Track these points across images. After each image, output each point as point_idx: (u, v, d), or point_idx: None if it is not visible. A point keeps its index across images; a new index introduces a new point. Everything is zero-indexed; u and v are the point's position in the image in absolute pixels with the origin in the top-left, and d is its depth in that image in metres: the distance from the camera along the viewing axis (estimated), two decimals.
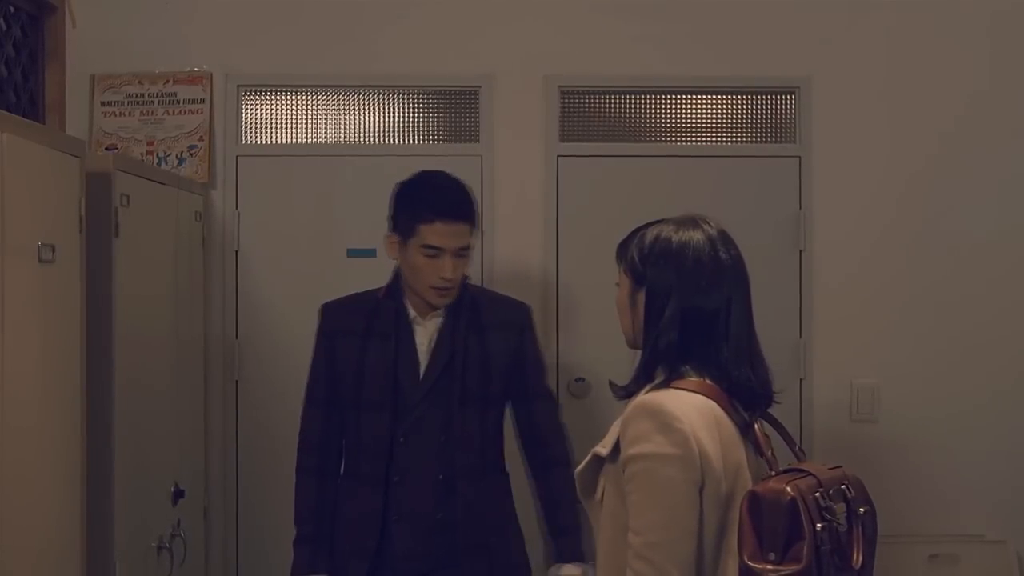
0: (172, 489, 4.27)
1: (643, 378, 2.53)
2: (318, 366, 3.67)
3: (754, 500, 2.30)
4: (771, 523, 2.27)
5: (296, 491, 3.70)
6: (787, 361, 4.94)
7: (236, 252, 4.97)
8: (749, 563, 2.27)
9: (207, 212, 4.89)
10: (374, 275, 4.87)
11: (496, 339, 3.60)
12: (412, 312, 3.56)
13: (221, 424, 4.95)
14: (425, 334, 3.57)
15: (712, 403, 2.43)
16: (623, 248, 2.63)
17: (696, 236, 2.52)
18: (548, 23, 5.02)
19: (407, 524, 3.53)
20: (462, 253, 3.48)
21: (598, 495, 2.53)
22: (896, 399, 5.03)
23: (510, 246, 4.94)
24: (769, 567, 2.25)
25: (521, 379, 3.67)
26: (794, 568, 2.25)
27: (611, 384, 2.62)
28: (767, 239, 4.95)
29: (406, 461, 3.53)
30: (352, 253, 4.93)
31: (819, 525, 2.28)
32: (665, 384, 2.47)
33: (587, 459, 2.56)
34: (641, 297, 2.54)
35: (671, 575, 2.30)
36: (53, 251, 3.14)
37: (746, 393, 2.50)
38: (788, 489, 2.28)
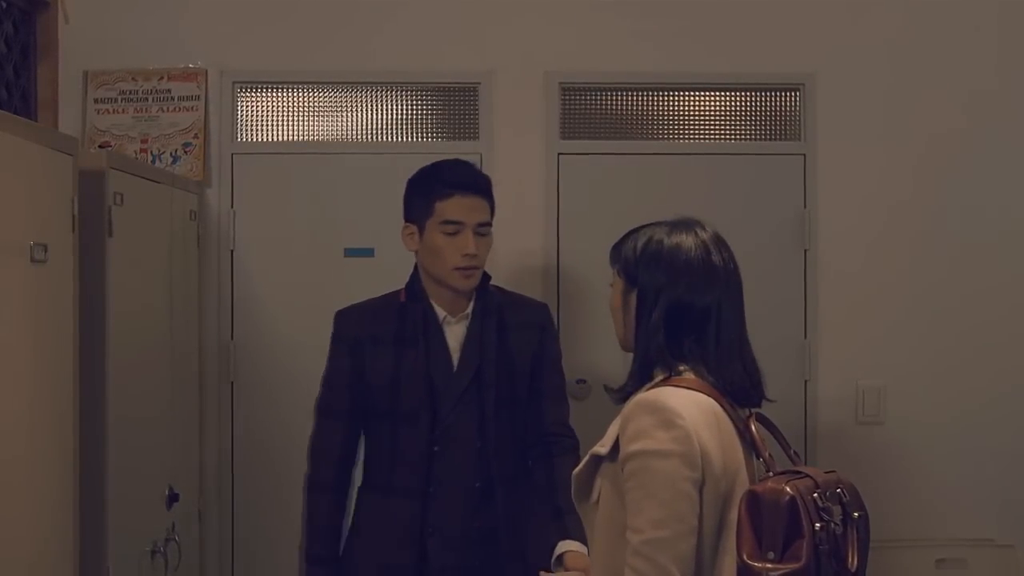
0: (166, 492, 4.23)
1: (638, 380, 2.54)
2: (338, 376, 3.55)
3: (753, 499, 2.32)
4: (770, 522, 2.29)
5: (309, 508, 3.53)
6: (791, 362, 4.92)
7: (232, 252, 4.93)
8: (748, 562, 2.28)
9: (202, 211, 4.85)
10: (372, 275, 4.85)
11: (521, 339, 3.54)
12: (441, 313, 3.47)
13: (216, 427, 4.90)
14: (455, 337, 3.48)
15: (712, 401, 2.45)
16: (617, 250, 2.65)
17: (689, 239, 2.56)
18: (548, 18, 4.98)
19: (443, 537, 3.41)
20: (482, 230, 3.42)
21: (594, 496, 2.53)
22: (902, 400, 4.99)
23: (510, 245, 4.88)
24: (769, 566, 2.27)
25: (538, 379, 3.58)
26: (794, 567, 2.26)
27: (607, 388, 2.63)
28: (771, 238, 4.93)
29: (442, 470, 3.42)
30: (350, 253, 4.90)
31: (817, 525, 2.30)
32: (665, 382, 2.48)
33: (585, 460, 2.56)
34: (633, 299, 2.57)
35: (671, 573, 2.30)
36: (45, 251, 3.10)
37: (740, 392, 2.52)
38: (787, 488, 2.31)
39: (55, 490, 3.24)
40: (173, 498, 4.25)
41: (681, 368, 2.49)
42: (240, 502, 4.92)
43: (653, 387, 2.48)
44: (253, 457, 4.92)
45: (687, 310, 2.51)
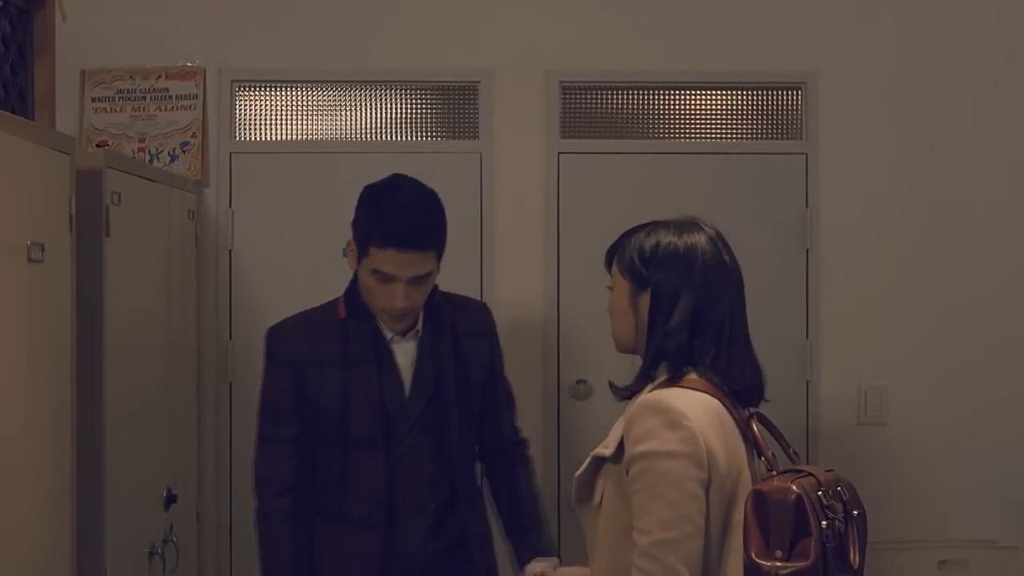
0: (164, 494, 4.22)
1: (645, 378, 2.55)
2: (280, 399, 3.26)
3: (759, 498, 2.33)
4: (777, 521, 2.30)
5: (265, 541, 3.27)
6: (793, 362, 4.90)
7: (230, 251, 4.91)
8: (757, 560, 2.29)
9: (200, 210, 4.83)
10: None
11: (475, 350, 3.37)
12: (389, 332, 3.24)
13: (214, 428, 4.88)
14: (406, 355, 3.25)
15: (716, 402, 2.46)
16: (617, 252, 2.65)
17: (701, 239, 2.58)
18: (549, 17, 4.96)
19: (406, 563, 3.23)
20: (419, 280, 3.13)
21: (596, 499, 2.52)
22: (905, 401, 4.97)
23: (510, 245, 4.89)
24: (778, 564, 2.28)
25: (492, 388, 3.43)
26: (803, 564, 2.28)
27: (611, 385, 2.64)
28: (773, 237, 4.91)
29: (399, 495, 3.22)
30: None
31: (823, 523, 2.32)
32: (668, 383, 2.48)
33: (587, 462, 2.56)
34: (644, 300, 2.56)
35: (680, 574, 2.31)
36: (42, 250, 3.09)
37: (745, 391, 2.54)
38: (793, 487, 2.32)
39: (52, 491, 3.22)
40: (171, 499, 4.24)
41: (685, 369, 2.49)
42: (238, 503, 4.89)
43: (656, 388, 2.48)
44: (251, 458, 4.86)
45: (709, 310, 2.51)
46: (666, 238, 2.57)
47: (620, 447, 2.45)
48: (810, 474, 2.41)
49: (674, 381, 2.48)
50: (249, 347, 4.87)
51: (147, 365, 4.10)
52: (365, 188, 3.28)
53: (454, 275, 4.82)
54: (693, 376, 2.48)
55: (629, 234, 2.64)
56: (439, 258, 3.19)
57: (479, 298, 4.84)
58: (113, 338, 3.63)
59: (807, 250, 4.95)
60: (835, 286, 4.95)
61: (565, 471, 4.84)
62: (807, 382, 4.95)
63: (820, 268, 4.95)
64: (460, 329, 3.34)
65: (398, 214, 3.11)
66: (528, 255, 4.91)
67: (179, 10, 4.91)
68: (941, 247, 4.98)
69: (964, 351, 4.98)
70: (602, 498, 2.51)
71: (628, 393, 2.56)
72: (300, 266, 4.89)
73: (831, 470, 2.49)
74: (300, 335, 3.30)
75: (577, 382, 4.89)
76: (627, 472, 2.40)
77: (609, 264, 2.66)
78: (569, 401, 4.89)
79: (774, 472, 2.42)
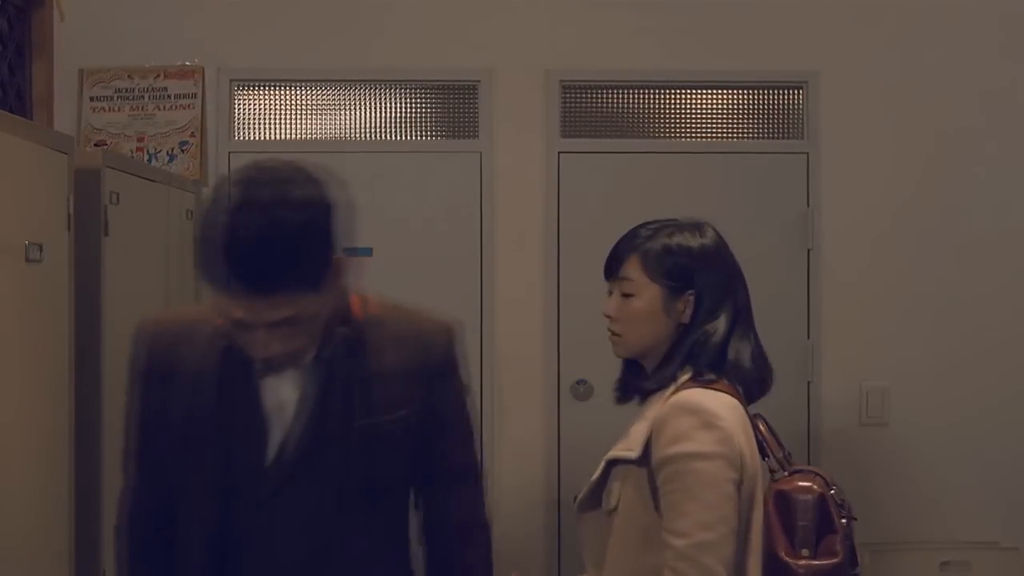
0: None
1: (667, 380, 2.50)
2: (144, 414, 2.47)
3: (782, 498, 2.35)
4: (802, 519, 2.33)
5: (118, 553, 2.48)
6: (795, 363, 4.88)
7: None
8: (786, 559, 2.31)
9: (199, 210, 4.78)
10: (370, 275, 4.81)
11: (400, 388, 2.32)
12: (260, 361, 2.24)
13: None
14: (285, 389, 2.26)
15: (738, 402, 2.45)
16: (638, 255, 2.56)
17: (718, 238, 2.58)
18: (549, 16, 4.94)
19: None
20: (290, 322, 2.13)
21: (612, 502, 2.47)
22: (906, 401, 4.95)
23: (510, 244, 4.86)
24: (814, 562, 2.31)
25: (434, 450, 2.40)
26: (832, 561, 2.31)
27: (626, 386, 2.60)
28: (774, 237, 4.88)
29: None
30: (347, 252, 4.82)
31: (843, 520, 2.37)
32: (693, 384, 2.45)
33: (601, 467, 2.51)
34: (681, 303, 2.52)
35: (719, 574, 2.29)
36: (41, 250, 3.08)
37: (755, 390, 2.54)
38: (815, 486, 2.36)
39: (50, 491, 3.21)
40: None
41: (703, 369, 2.48)
42: None
43: (680, 389, 2.45)
44: None
45: (745, 310, 2.54)
46: (695, 239, 2.55)
47: (646, 449, 2.42)
48: (818, 474, 2.43)
49: (698, 382, 2.45)
50: None
51: None
52: (210, 193, 2.25)
53: (454, 275, 4.85)
54: (712, 376, 2.46)
55: (644, 237, 2.58)
56: (329, 279, 2.21)
57: (478, 297, 4.83)
58: (111, 337, 3.62)
59: (808, 250, 4.93)
60: (836, 286, 4.93)
61: (565, 471, 4.83)
62: (808, 383, 4.93)
63: (821, 268, 4.93)
64: (388, 360, 2.33)
65: (234, 248, 2.06)
66: (528, 255, 4.89)
67: (178, 9, 4.89)
68: (942, 247, 4.96)
69: (966, 351, 4.96)
70: (618, 502, 2.46)
71: (649, 391, 2.52)
72: None
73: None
74: (174, 339, 2.40)
75: (577, 382, 4.87)
76: (655, 474, 2.37)
77: (614, 270, 2.60)
78: (569, 401, 4.86)
79: (785, 472, 2.44)
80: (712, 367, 2.47)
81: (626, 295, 2.57)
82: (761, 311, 2.66)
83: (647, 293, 2.54)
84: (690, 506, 2.30)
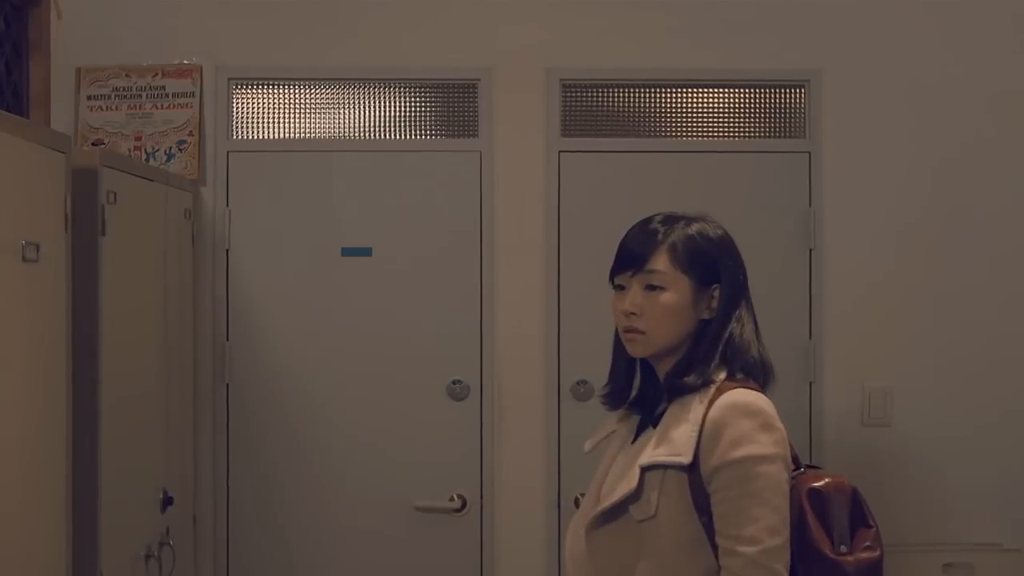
0: (160, 496, 4.20)
1: (707, 379, 2.46)
2: None
3: (817, 495, 2.35)
4: (838, 515, 2.34)
5: None
6: (796, 364, 4.85)
7: (227, 251, 4.86)
8: (832, 556, 2.31)
9: (197, 210, 4.79)
10: (369, 275, 4.82)
11: None
12: None
13: (211, 429, 4.84)
14: None
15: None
16: (666, 247, 2.52)
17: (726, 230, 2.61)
18: (549, 14, 4.91)
19: None
20: None
21: (651, 510, 2.40)
22: (909, 402, 4.92)
23: (510, 244, 4.85)
24: (861, 555, 2.32)
25: None
26: (874, 556, 2.33)
27: (673, 385, 2.51)
28: (776, 237, 4.87)
29: None
30: (347, 252, 4.85)
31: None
32: (735, 383, 2.44)
33: (635, 475, 2.43)
34: (707, 296, 2.51)
35: None
36: (37, 250, 3.06)
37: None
38: (846, 481, 2.38)
39: (47, 493, 3.20)
40: (167, 502, 4.22)
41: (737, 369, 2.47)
42: (235, 506, 4.86)
43: (721, 389, 2.42)
44: (248, 460, 4.85)
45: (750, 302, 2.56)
46: (713, 230, 2.55)
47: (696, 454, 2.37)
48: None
49: (735, 381, 2.44)
50: (246, 347, 4.86)
51: (143, 365, 4.08)
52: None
53: (453, 274, 4.82)
54: (741, 375, 2.45)
55: (664, 229, 2.55)
56: None
57: (478, 297, 4.83)
58: (109, 339, 3.61)
59: (810, 250, 4.90)
60: (839, 286, 4.90)
61: (565, 472, 4.81)
62: (810, 383, 4.90)
63: (823, 268, 4.90)
64: None
65: None
66: (528, 254, 4.87)
67: (176, 7, 4.87)
68: (946, 246, 4.93)
69: (969, 352, 4.93)
70: (656, 510, 2.40)
71: (692, 387, 2.46)
72: (298, 266, 4.86)
73: None
74: None
75: (577, 382, 4.84)
76: (708, 479, 2.33)
77: (637, 264, 2.53)
78: (570, 402, 4.84)
79: (801, 469, 2.44)
80: (744, 366, 2.45)
81: (652, 289, 2.51)
82: (763, 311, 2.66)
83: (678, 285, 2.50)
84: (758, 511, 2.28)
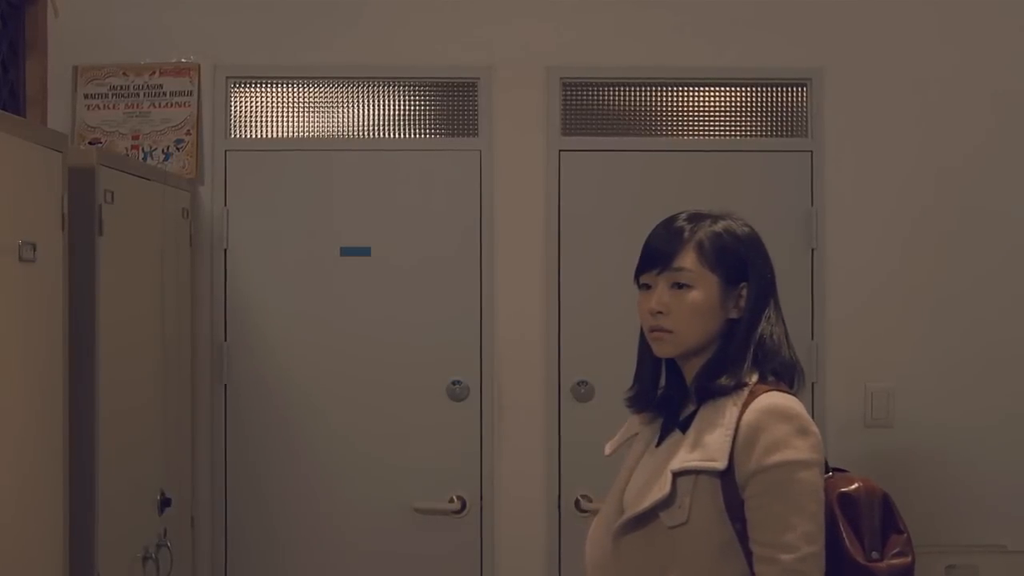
0: (158, 497, 4.19)
1: (740, 380, 2.42)
2: None
3: (847, 500, 2.34)
4: (869, 520, 2.34)
5: None
6: None
7: (225, 251, 4.84)
8: (865, 564, 2.29)
9: (195, 209, 4.77)
10: (368, 274, 4.80)
11: None
12: None
13: (209, 430, 4.82)
14: None
15: None
16: (693, 244, 2.49)
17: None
18: (550, 12, 4.89)
19: None
20: None
21: (684, 516, 2.35)
22: (912, 403, 4.90)
23: (510, 243, 4.83)
24: (893, 562, 2.31)
25: None
26: (905, 562, 2.32)
27: (704, 388, 2.46)
28: (778, 237, 4.67)
29: None
30: (346, 252, 4.83)
31: None
32: (768, 386, 2.42)
33: (668, 480, 2.38)
34: (736, 294, 2.48)
35: None
36: (34, 249, 3.06)
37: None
38: (877, 486, 2.38)
39: (45, 494, 3.20)
40: (165, 503, 4.21)
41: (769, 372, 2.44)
42: (233, 507, 4.84)
43: (755, 392, 2.39)
44: (246, 461, 4.83)
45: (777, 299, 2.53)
46: (740, 227, 2.53)
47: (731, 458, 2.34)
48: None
49: (768, 384, 2.42)
50: (244, 347, 4.84)
51: (141, 366, 4.06)
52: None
53: (453, 273, 4.80)
54: (773, 378, 2.43)
55: (690, 226, 2.51)
56: None
57: (478, 296, 4.81)
58: (106, 339, 3.60)
59: (812, 250, 4.87)
60: (841, 286, 4.88)
61: (565, 473, 4.79)
62: (812, 384, 4.88)
63: (826, 268, 4.88)
64: None
65: None
66: (528, 254, 4.84)
67: (173, 5, 4.85)
68: (948, 246, 4.91)
69: (972, 352, 4.91)
70: (688, 516, 2.35)
71: (727, 389, 2.41)
72: (296, 265, 4.84)
73: None
74: None
75: (578, 383, 4.82)
76: (743, 484, 2.30)
77: (663, 262, 2.49)
78: (570, 402, 4.81)
79: (829, 472, 2.41)
80: (775, 368, 2.43)
81: (679, 287, 2.47)
82: None
83: (705, 283, 2.46)
84: (796, 519, 2.25)
